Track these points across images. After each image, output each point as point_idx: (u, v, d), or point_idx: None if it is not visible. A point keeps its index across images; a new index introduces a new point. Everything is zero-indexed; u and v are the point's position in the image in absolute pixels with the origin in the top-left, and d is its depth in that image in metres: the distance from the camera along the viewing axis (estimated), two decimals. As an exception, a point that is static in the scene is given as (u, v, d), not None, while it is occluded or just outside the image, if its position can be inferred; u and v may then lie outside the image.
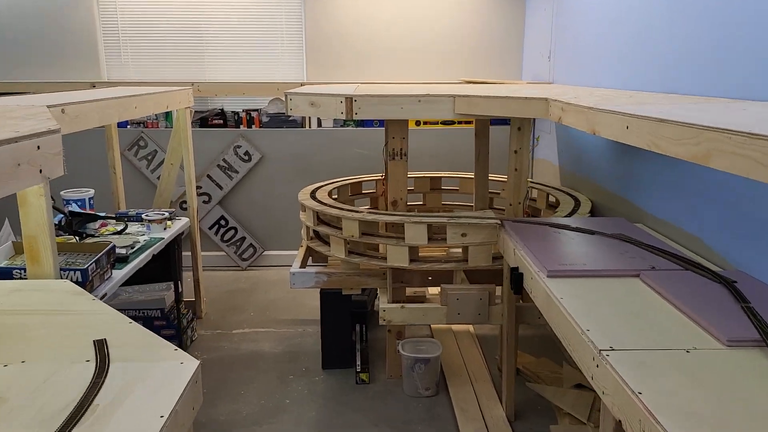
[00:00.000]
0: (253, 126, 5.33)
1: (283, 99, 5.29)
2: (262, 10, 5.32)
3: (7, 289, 2.08)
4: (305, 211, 3.51)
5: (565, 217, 3.30)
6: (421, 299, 4.31)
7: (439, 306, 3.02)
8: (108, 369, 1.58)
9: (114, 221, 3.46)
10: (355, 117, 2.88)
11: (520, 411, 3.05)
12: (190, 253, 4.25)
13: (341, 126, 5.35)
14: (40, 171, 1.53)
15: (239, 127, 5.33)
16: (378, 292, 3.40)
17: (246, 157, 5.18)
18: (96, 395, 1.44)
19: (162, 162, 4.70)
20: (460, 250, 3.18)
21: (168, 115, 5.28)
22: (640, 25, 3.11)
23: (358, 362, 3.49)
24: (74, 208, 3.61)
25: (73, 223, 3.13)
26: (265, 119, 5.29)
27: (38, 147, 1.52)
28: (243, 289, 4.81)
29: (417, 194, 4.37)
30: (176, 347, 1.71)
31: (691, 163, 2.58)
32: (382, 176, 4.07)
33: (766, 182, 1.11)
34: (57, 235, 2.99)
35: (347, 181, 4.20)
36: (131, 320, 1.89)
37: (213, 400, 3.20)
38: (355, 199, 4.20)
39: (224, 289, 4.82)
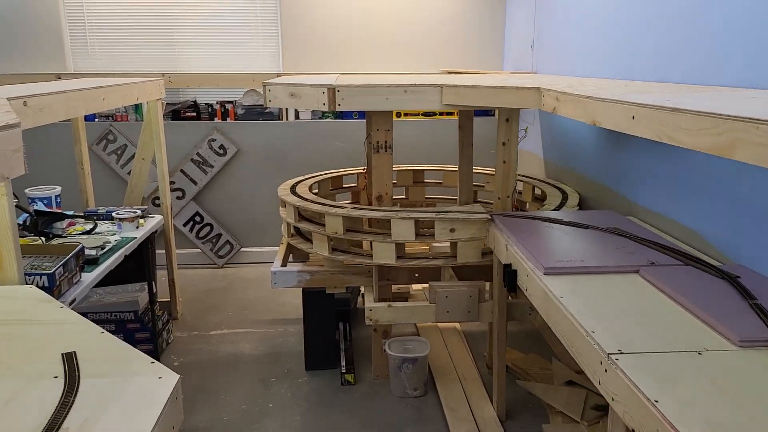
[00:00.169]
0: (228, 119, 5.16)
1: (259, 90, 5.14)
2: (235, -2, 5.14)
3: (-35, 298, 1.92)
4: (285, 207, 3.37)
5: (554, 210, 3.22)
6: (405, 296, 4.22)
7: (428, 304, 2.92)
8: (78, 386, 1.44)
9: (83, 220, 3.27)
10: (338, 108, 2.75)
11: (511, 410, 2.98)
12: (164, 251, 4.08)
13: (320, 118, 5.21)
14: (-2, 170, 1.38)
15: (213, 120, 5.15)
16: (362, 290, 3.28)
17: (221, 151, 5.00)
18: (65, 417, 1.30)
19: (132, 157, 4.51)
20: (447, 245, 3.08)
21: (138, 108, 5.08)
22: (630, 13, 3.03)
23: (343, 363, 3.37)
24: (40, 206, 3.41)
25: (39, 223, 2.95)
26: (240, 111, 5.11)
27: (-6, 143, 1.37)
28: (220, 288, 4.65)
29: (399, 188, 4.26)
30: (153, 360, 1.58)
31: (686, 153, 2.52)
32: (363, 170, 3.95)
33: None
34: (21, 236, 2.81)
35: (328, 175, 4.07)
36: (103, 330, 1.75)
37: (192, 407, 3.06)
38: (337, 193, 4.07)
39: (201, 288, 4.66)
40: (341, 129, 5.04)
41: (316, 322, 3.38)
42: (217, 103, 5.20)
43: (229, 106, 5.16)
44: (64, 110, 2.56)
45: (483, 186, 4.13)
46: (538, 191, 3.80)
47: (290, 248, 3.55)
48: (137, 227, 3.22)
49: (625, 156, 3.07)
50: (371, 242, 2.97)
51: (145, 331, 3.48)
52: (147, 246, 3.38)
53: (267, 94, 2.96)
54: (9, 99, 2.07)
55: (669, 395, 1.35)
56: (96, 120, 5.14)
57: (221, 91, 5.29)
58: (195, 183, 5.03)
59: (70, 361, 1.56)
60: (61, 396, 1.39)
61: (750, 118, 1.17)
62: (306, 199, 3.27)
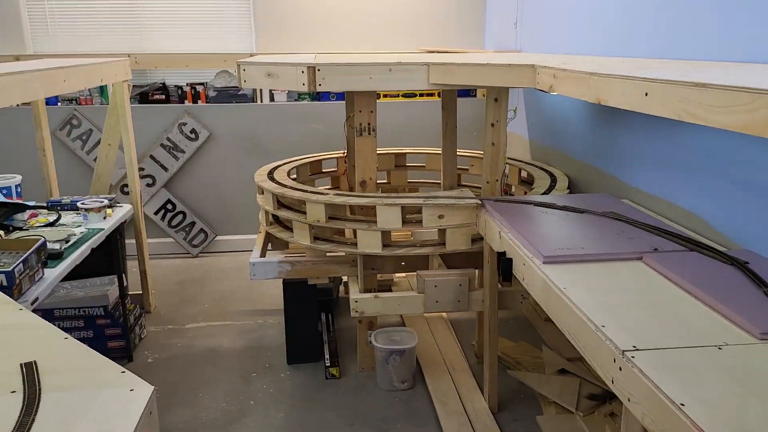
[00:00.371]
0: (199, 101, 4.93)
1: (231, 71, 4.92)
2: (204, -26, 4.88)
3: None
4: (263, 194, 3.20)
5: (544, 194, 3.11)
6: (388, 284, 4.09)
7: (416, 294, 2.79)
8: (39, 402, 1.28)
9: (45, 211, 3.06)
10: (318, 88, 2.59)
11: (503, 401, 2.88)
12: (134, 241, 3.87)
13: (296, 100, 5.01)
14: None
15: (183, 103, 4.92)
16: (347, 280, 3.14)
17: (192, 136, 4.78)
18: (24, 440, 1.14)
19: (98, 142, 4.27)
20: (431, 231, 2.95)
21: (103, 91, 4.82)
22: (621, -13, 2.91)
23: (327, 356, 3.24)
24: (-2, 197, 3.19)
25: (-3, 215, 2.74)
26: (211, 94, 4.89)
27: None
28: (195, 279, 4.47)
29: (380, 172, 4.10)
30: (124, 369, 1.41)
31: (683, 131, 2.41)
32: (343, 153, 3.79)
33: None
34: (-23, 230, 2.60)
35: (306, 160, 3.90)
36: (67, 335, 1.58)
37: (168, 406, 2.90)
38: (316, 179, 3.91)
39: (174, 279, 4.46)
40: (318, 111, 4.85)
41: (297, 313, 3.24)
42: (187, 85, 4.96)
43: (200, 88, 4.93)
44: (21, 93, 2.35)
45: (467, 169, 4.00)
46: (524, 174, 3.69)
47: (269, 237, 3.39)
48: (104, 217, 3.02)
49: (617, 136, 2.96)
50: (355, 230, 2.83)
51: (116, 326, 3.29)
52: (116, 237, 3.19)
53: (241, 74, 2.78)
54: (-45, 79, 1.87)
55: (694, 397, 1.24)
56: (59, 104, 4.87)
57: (191, 72, 5.05)
58: (166, 169, 4.81)
59: (29, 372, 1.39)
60: (20, 414, 1.23)
61: (792, 93, 1.04)
62: (285, 186, 3.11)
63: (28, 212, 3.00)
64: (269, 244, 3.46)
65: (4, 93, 2.21)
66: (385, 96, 4.92)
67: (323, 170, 3.98)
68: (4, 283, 2.06)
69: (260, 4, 4.90)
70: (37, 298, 2.20)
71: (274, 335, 3.58)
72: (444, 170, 3.63)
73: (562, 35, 3.59)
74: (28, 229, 2.79)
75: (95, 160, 4.12)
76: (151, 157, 4.78)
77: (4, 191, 3.25)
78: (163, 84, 4.99)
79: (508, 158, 3.88)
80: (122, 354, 3.31)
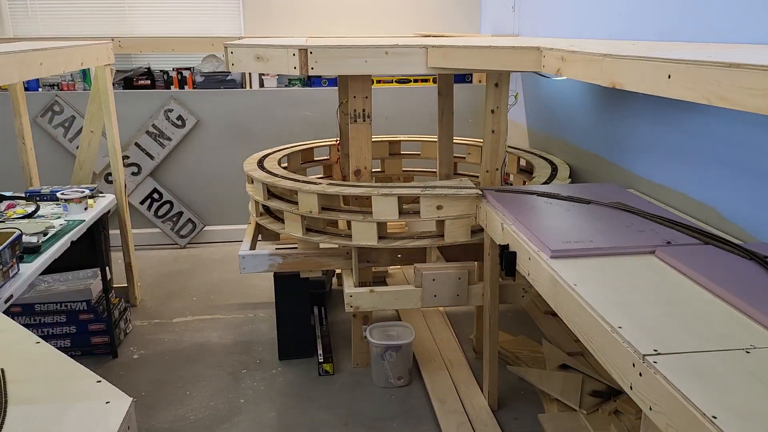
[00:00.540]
0: (186, 87, 4.77)
1: (219, 55, 4.75)
2: (190, -46, 4.71)
3: None
4: (253, 183, 3.07)
5: (545, 183, 2.99)
6: (383, 275, 3.98)
7: (413, 288, 2.68)
8: (5, 416, 1.16)
9: (24, 202, 2.91)
10: (311, 72, 2.45)
11: (503, 398, 2.78)
12: (119, 232, 3.73)
13: (286, 86, 4.86)
14: None
15: (170, 89, 4.76)
16: (340, 272, 3.02)
17: (179, 122, 4.62)
18: (-16, 462, 1.02)
19: (81, 130, 4.11)
20: (423, 221, 2.83)
21: (86, 76, 4.65)
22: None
23: (320, 351, 3.12)
24: (-26, 186, 3.03)
25: (-29, 206, 2.59)
26: (199, 79, 4.73)
27: None
28: (183, 271, 4.33)
29: (374, 160, 3.96)
30: (100, 379, 1.29)
31: (698, 118, 2.29)
32: (336, 141, 3.65)
33: None
34: (-52, 222, 2.46)
35: (297, 148, 3.76)
36: (39, 339, 1.45)
37: (153, 406, 2.78)
38: (308, 167, 3.77)
39: (161, 271, 4.32)
40: (310, 97, 4.70)
41: (289, 307, 3.12)
42: (173, 70, 4.80)
43: (186, 74, 4.77)
44: (-8, 76, 2.20)
45: (464, 157, 3.88)
46: (523, 162, 3.58)
47: (259, 228, 3.26)
48: (86, 208, 2.88)
49: (621, 123, 2.85)
50: (349, 222, 2.70)
51: (99, 321, 3.16)
52: (98, 228, 3.05)
53: (229, 57, 2.63)
54: None
55: (726, 408, 1.13)
56: (40, 90, 4.70)
57: (177, 56, 4.89)
58: (152, 157, 4.66)
59: (-5, 382, 1.26)
60: (-18, 431, 1.11)
61: None
62: (276, 175, 2.97)
63: (5, 203, 2.85)
64: (260, 235, 3.34)
65: (-26, 76, 2.06)
66: (378, 82, 4.78)
67: (315, 158, 3.84)
68: (-25, 280, 1.92)
69: (249, -14, 4.74)
70: (11, 296, 2.06)
71: (265, 329, 3.46)
72: (440, 159, 3.51)
73: (564, 19, 3.46)
74: (4, 221, 2.64)
75: (78, 148, 3.96)
76: (137, 144, 4.62)
77: (-20, 181, 3.10)
78: (149, 69, 4.83)
79: (508, 146, 3.76)
80: (106, 350, 3.18)
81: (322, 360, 3.06)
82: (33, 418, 1.14)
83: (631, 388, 1.36)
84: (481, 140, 3.79)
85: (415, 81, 4.79)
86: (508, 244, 2.19)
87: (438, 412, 2.68)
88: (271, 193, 2.98)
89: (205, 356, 3.20)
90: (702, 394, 1.17)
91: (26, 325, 3.12)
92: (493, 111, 2.71)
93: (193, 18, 4.82)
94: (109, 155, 3.62)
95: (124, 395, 1.22)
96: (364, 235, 2.68)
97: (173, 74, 4.78)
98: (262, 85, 4.84)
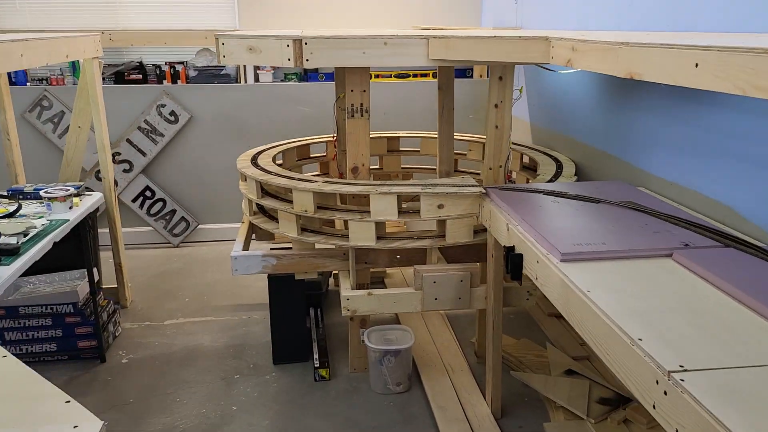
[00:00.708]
0: (179, 81, 4.64)
1: (213, 50, 4.62)
2: (183, -56, 4.57)
3: None
4: (246, 181, 2.94)
5: (550, 181, 2.87)
6: (381, 276, 3.86)
7: (413, 291, 2.56)
8: (-39, 442, 1.04)
9: (6, 200, 2.79)
10: (305, 64, 2.32)
11: (506, 405, 2.66)
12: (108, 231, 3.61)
13: (282, 80, 4.73)
14: None
15: (162, 83, 4.63)
16: (338, 273, 2.90)
17: (172, 118, 4.49)
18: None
19: (70, 125, 3.98)
20: (432, 222, 2.71)
21: (76, 70, 4.51)
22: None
23: (316, 355, 3.01)
24: (-46, 184, 2.91)
25: (-52, 205, 2.46)
26: (192, 73, 4.59)
27: None
28: (176, 271, 4.21)
29: (372, 157, 3.83)
30: (69, 398, 1.16)
31: (713, 112, 2.16)
32: (333, 137, 3.53)
33: None
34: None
35: (293, 144, 3.64)
36: (6, 353, 1.33)
37: (141, 414, 2.66)
38: (303, 164, 3.65)
39: (153, 271, 4.20)
40: (306, 92, 4.57)
41: (283, 309, 2.99)
42: (166, 64, 4.67)
43: (179, 68, 4.64)
44: (-33, 67, 2.08)
45: (465, 154, 3.76)
46: (526, 159, 3.46)
47: (253, 227, 3.14)
48: (70, 207, 2.75)
49: (630, 117, 2.73)
50: (346, 221, 2.58)
51: (87, 325, 3.04)
52: (85, 228, 2.92)
53: (220, 49, 2.50)
54: None
55: (765, 433, 1.01)
56: (28, 84, 4.57)
57: (170, 50, 4.75)
58: (144, 154, 4.52)
59: (-48, 403, 1.15)
60: (-67, 461, 0.99)
61: None
62: (270, 172, 2.85)
63: (-14, 201, 2.73)
64: (254, 235, 3.22)
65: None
66: (377, 76, 4.65)
67: (311, 155, 3.72)
68: (-54, 285, 1.80)
69: (243, -22, 4.61)
70: (-14, 301, 1.94)
71: (259, 332, 3.34)
72: (440, 155, 3.39)
73: (568, 11, 3.33)
74: (-16, 221, 2.52)
75: (66, 144, 3.83)
76: (128, 141, 4.49)
77: (-38, 178, 2.97)
78: (140, 63, 4.70)
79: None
80: (94, 354, 3.06)
81: (318, 365, 2.94)
82: (-8, 444, 1.03)
83: (654, 407, 1.24)
84: (483, 136, 3.67)
85: (415, 76, 4.67)
86: (513, 246, 2.07)
87: (439, 420, 2.56)
88: (265, 191, 2.86)
89: (197, 361, 3.08)
90: (737, 419, 1.05)
91: (10, 329, 3.01)
92: (496, 105, 2.59)
93: (186, 11, 4.68)
94: (98, 152, 3.49)
95: (94, 418, 1.10)
96: (361, 235, 2.56)
97: (166, 68, 4.65)
98: (257, 79, 4.71)
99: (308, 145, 3.68)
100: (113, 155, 4.44)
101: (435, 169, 3.59)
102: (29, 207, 2.76)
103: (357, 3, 4.74)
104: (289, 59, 2.34)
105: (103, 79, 4.59)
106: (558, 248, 1.78)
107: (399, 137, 3.88)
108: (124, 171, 4.52)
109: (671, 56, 1.34)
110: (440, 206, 2.50)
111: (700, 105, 2.23)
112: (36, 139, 4.40)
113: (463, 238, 2.57)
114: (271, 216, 2.93)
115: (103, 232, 3.63)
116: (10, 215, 2.61)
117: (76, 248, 2.97)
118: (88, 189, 3.29)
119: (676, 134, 2.40)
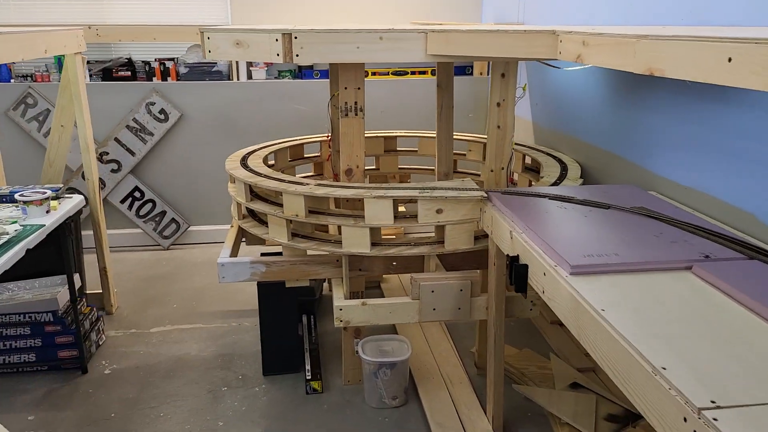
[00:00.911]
0: (169, 78, 4.48)
1: (204, 46, 4.47)
2: (173, -64, 4.42)
3: None
4: (235, 183, 2.80)
5: (554, 184, 2.73)
6: (376, 281, 3.72)
7: (410, 300, 2.41)
8: None
9: (-20, 203, 2.64)
10: (295, 60, 2.17)
11: (508, 420, 2.52)
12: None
13: (276, 78, 4.58)
14: None
15: (152, 80, 4.47)
16: (330, 282, 2.75)
17: (162, 116, 4.34)
18: None
19: (54, 124, 3.83)
20: (430, 228, 2.56)
21: (62, 66, 4.35)
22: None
23: (308, 367, 2.86)
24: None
25: None
26: (183, 70, 4.44)
27: None
28: (164, 275, 4.06)
29: (368, 157, 3.68)
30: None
31: (731, 112, 2.02)
32: (327, 137, 3.38)
33: None
34: None
35: (285, 144, 3.49)
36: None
37: (123, 427, 2.51)
38: (297, 165, 3.50)
39: (141, 275, 4.05)
40: (301, 90, 4.42)
41: (274, 317, 2.85)
42: (155, 60, 4.52)
43: (169, 65, 4.48)
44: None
45: (464, 154, 3.62)
46: (528, 160, 3.31)
47: (242, 231, 2.99)
48: (48, 211, 2.60)
49: (641, 117, 2.58)
50: (340, 227, 2.44)
51: (67, 334, 2.89)
52: (65, 233, 2.77)
53: (206, 43, 2.36)
54: None
55: (817, 488, 0.87)
56: (12, 81, 4.41)
57: (160, 46, 4.60)
58: (133, 153, 4.37)
59: None
60: None
61: None
62: (259, 174, 2.70)
63: (-41, 205, 2.58)
64: (244, 239, 3.07)
65: None
66: (373, 74, 4.50)
67: (305, 155, 3.57)
68: None
69: (236, -29, 4.46)
70: (-53, 315, 1.79)
71: (249, 341, 3.20)
72: (439, 156, 3.25)
73: (575, 6, 3.19)
74: (-46, 226, 2.37)
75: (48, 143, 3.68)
76: (116, 140, 4.33)
77: (-65, 179, 2.82)
78: (129, 59, 4.54)
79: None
80: (75, 364, 2.91)
81: (309, 376, 2.79)
82: None
83: (680, 446, 1.10)
84: (483, 136, 3.53)
85: (413, 73, 4.52)
86: (517, 255, 1.93)
87: (437, 437, 2.42)
88: (254, 194, 2.71)
89: (183, 371, 2.93)
90: (782, 467, 0.91)
91: (-15, 339, 2.86)
92: (498, 104, 2.44)
93: (176, 6, 4.53)
94: (81, 151, 3.34)
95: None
96: (355, 241, 2.41)
97: (155, 65, 4.50)
98: (250, 77, 4.56)
99: (302, 144, 3.53)
100: (101, 155, 4.29)
101: (434, 170, 3.44)
102: (4, 211, 2.62)
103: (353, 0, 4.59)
104: (278, 54, 2.19)
105: (91, 75, 4.44)
106: (567, 260, 1.64)
107: (396, 137, 3.74)
108: (112, 171, 4.37)
109: (699, 50, 1.19)
110: (439, 211, 2.36)
111: (719, 104, 2.08)
112: (20, 138, 4.24)
113: (463, 245, 2.42)
114: (262, 220, 2.78)
115: (88, 234, 3.49)
116: (-18, 220, 2.46)
117: (57, 253, 2.83)
118: (72, 190, 3.14)
119: (691, 135, 2.25)
